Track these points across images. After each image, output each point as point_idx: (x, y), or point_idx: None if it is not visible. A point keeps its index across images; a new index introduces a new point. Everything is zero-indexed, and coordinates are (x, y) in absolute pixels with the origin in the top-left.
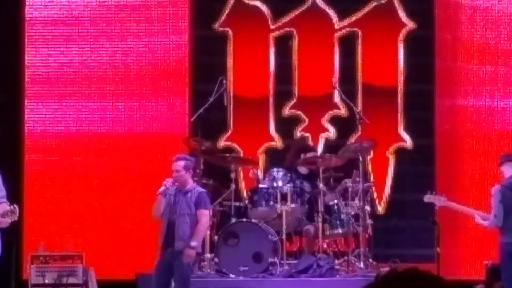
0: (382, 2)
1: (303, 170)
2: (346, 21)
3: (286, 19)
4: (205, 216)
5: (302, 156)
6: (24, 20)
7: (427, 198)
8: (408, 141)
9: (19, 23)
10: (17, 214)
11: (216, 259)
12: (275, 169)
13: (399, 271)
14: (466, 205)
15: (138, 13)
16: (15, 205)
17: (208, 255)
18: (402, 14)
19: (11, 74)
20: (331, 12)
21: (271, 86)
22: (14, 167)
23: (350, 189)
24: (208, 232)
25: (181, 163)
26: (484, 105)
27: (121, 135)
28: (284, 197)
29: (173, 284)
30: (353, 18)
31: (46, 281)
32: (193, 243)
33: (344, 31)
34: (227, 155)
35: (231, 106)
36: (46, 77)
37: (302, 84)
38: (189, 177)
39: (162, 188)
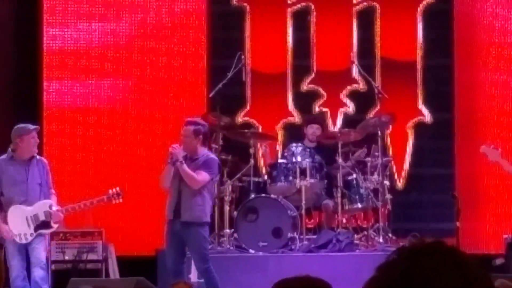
0: None
1: (308, 143)
2: None
3: None
4: (202, 176)
5: (305, 129)
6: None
7: (483, 148)
8: (427, 116)
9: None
10: (121, 195)
11: (235, 235)
12: (294, 144)
13: (422, 245)
14: (485, 179)
15: None
16: (117, 188)
17: (227, 231)
18: None
19: (30, 49)
20: None
21: (289, 61)
22: None
23: (369, 164)
24: (228, 208)
25: (191, 128)
26: (504, 79)
27: (140, 111)
28: (303, 172)
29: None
30: None
31: (66, 258)
32: (180, 160)
33: (362, 5)
34: (246, 130)
35: (249, 81)
36: (63, 52)
37: (320, 59)
38: (199, 143)
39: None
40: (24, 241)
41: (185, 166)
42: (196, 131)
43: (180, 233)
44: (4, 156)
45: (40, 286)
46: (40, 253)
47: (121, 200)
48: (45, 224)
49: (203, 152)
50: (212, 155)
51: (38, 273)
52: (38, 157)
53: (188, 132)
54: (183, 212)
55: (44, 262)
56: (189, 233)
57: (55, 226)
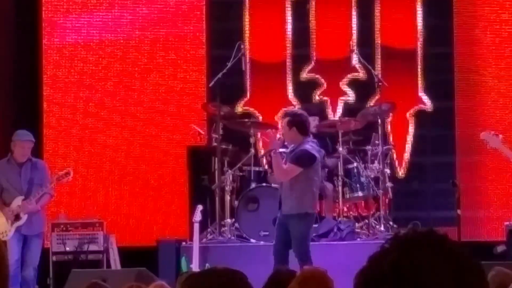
0: None
1: None
2: None
3: None
4: (289, 167)
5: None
6: None
7: (483, 135)
8: (428, 104)
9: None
10: (71, 174)
11: (236, 224)
12: None
13: (413, 235)
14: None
15: None
16: (68, 169)
17: (228, 221)
18: None
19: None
20: None
21: (288, 50)
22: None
23: (369, 152)
24: (228, 197)
25: (284, 119)
26: (504, 67)
27: (139, 101)
28: None
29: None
30: None
31: (67, 249)
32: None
33: None
34: (246, 120)
35: (249, 71)
36: (63, 47)
37: (319, 48)
38: (296, 134)
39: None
40: (5, 238)
41: (276, 157)
42: (289, 122)
43: (284, 225)
44: (5, 158)
45: (29, 286)
46: (36, 254)
47: (70, 178)
48: (17, 217)
49: (302, 142)
50: (305, 146)
51: (31, 273)
52: (34, 159)
53: (283, 124)
54: (283, 205)
55: (37, 263)
56: (289, 224)
57: (24, 217)
